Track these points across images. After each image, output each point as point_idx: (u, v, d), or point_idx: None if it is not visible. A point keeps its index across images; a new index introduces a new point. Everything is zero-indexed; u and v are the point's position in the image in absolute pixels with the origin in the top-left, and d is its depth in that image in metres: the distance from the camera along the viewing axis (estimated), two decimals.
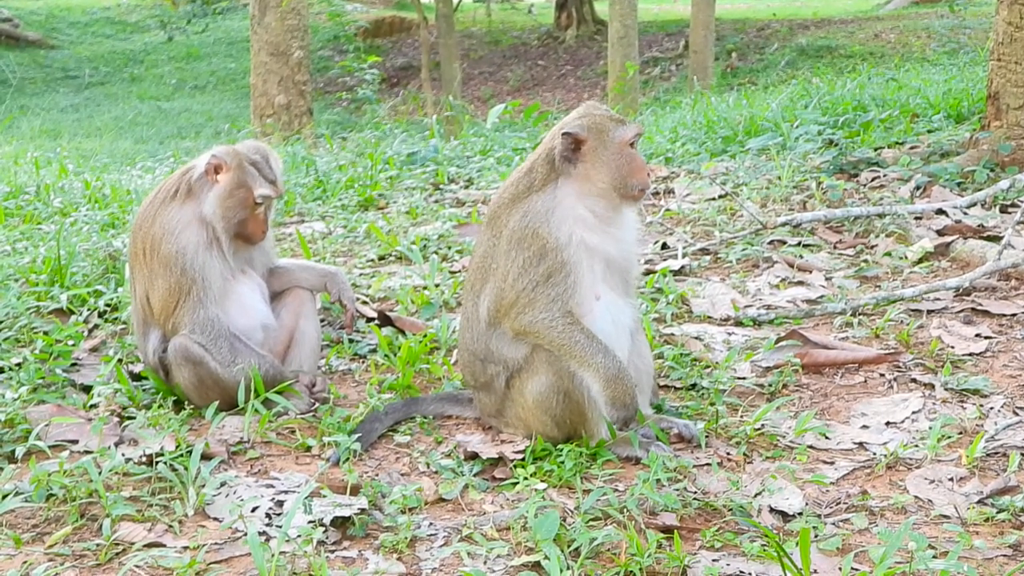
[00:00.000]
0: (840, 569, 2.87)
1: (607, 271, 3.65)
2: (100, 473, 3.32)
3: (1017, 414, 3.84)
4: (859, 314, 4.72)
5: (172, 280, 3.93)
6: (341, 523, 3.16)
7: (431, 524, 3.20)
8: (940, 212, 5.91)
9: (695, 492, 3.35)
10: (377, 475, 3.50)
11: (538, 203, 3.58)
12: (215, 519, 3.24)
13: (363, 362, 4.46)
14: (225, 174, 4.01)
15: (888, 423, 3.83)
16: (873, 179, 6.64)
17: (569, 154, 3.58)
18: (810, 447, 3.68)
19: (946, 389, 4.04)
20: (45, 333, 4.52)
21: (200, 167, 4.03)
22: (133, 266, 4.07)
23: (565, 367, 3.54)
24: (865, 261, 5.41)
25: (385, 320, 4.71)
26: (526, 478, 3.41)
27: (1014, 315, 4.66)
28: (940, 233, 5.66)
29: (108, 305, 4.91)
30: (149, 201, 4.09)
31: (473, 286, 3.72)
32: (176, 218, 3.98)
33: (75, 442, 3.71)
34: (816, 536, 3.10)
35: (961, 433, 3.72)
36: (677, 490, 3.33)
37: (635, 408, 3.60)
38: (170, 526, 3.19)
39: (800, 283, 5.18)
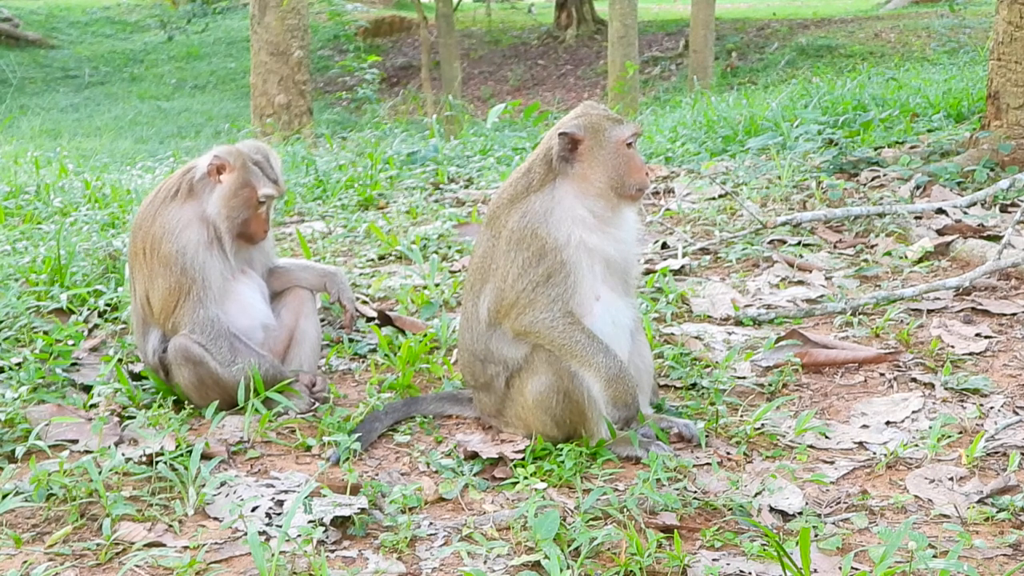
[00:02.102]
0: (840, 569, 2.87)
1: (607, 271, 3.65)
2: (100, 473, 3.32)
3: (1017, 413, 3.83)
4: (859, 313, 4.72)
5: (172, 280, 3.93)
6: (341, 523, 3.16)
7: (431, 524, 3.20)
8: (940, 211, 5.91)
9: (695, 492, 3.35)
10: (377, 475, 3.50)
11: (537, 203, 3.58)
12: (215, 519, 3.24)
13: (363, 362, 4.46)
14: (229, 174, 4.01)
15: (888, 422, 3.83)
16: (873, 178, 6.64)
17: (566, 154, 3.57)
18: (810, 447, 3.68)
19: (946, 388, 4.04)
20: (45, 333, 4.52)
21: (202, 167, 4.03)
22: (133, 266, 4.07)
23: (565, 367, 3.54)
24: (865, 260, 5.41)
25: (385, 320, 4.71)
26: (526, 478, 3.41)
27: (1014, 314, 4.66)
28: (940, 232, 5.66)
29: (108, 305, 4.91)
30: (149, 201, 4.08)
31: (473, 286, 3.72)
32: (176, 217, 3.98)
33: (75, 442, 3.71)
34: (816, 536, 3.10)
35: (961, 432, 3.72)
36: (677, 490, 3.33)
37: (636, 408, 3.60)
38: (170, 526, 3.19)
39: (800, 283, 5.18)
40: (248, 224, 4.06)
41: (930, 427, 3.71)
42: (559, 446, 3.57)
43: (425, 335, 4.47)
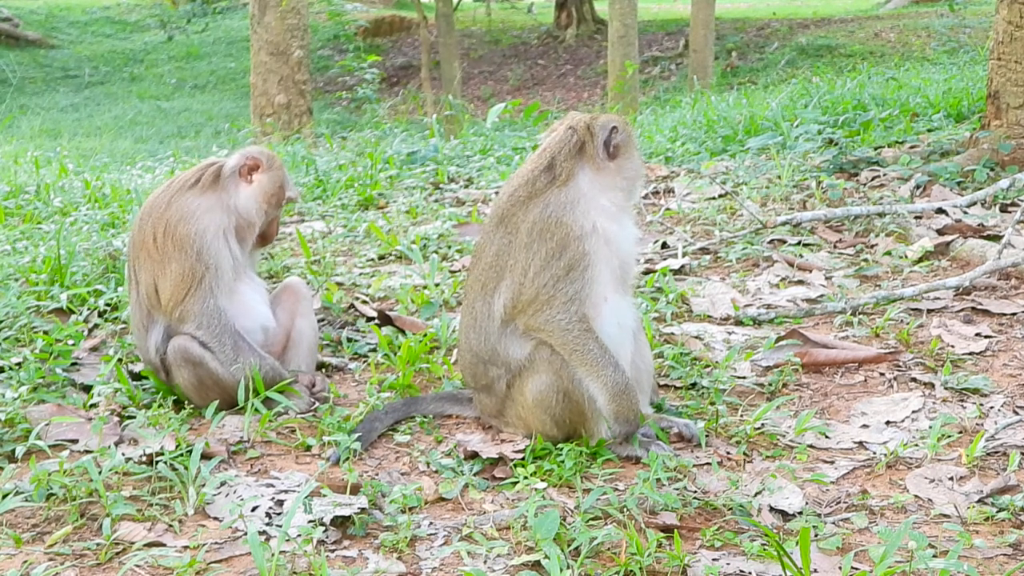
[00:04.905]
0: (840, 568, 2.87)
1: (616, 270, 3.68)
2: (100, 472, 3.32)
3: (1017, 413, 3.84)
4: (859, 313, 4.72)
5: (187, 264, 3.91)
6: (341, 522, 3.16)
7: (431, 523, 3.20)
8: (940, 211, 5.91)
9: (695, 491, 3.35)
10: (377, 474, 3.50)
11: (561, 195, 3.61)
12: (215, 518, 3.24)
13: (363, 361, 4.46)
14: (262, 174, 4.09)
15: (888, 422, 3.83)
16: (873, 178, 6.63)
17: (612, 148, 3.66)
18: (810, 446, 3.68)
19: (946, 388, 4.04)
20: (45, 332, 4.51)
21: (232, 164, 4.08)
22: (138, 256, 4.01)
23: (568, 370, 3.53)
24: (865, 260, 5.41)
25: (385, 319, 4.70)
26: (526, 477, 3.40)
27: (1014, 314, 4.66)
28: (940, 232, 5.66)
29: (108, 304, 4.91)
30: (162, 191, 4.08)
31: (485, 285, 3.67)
32: (196, 203, 3.99)
33: (75, 441, 3.71)
34: (816, 535, 3.10)
35: (961, 432, 3.72)
36: (677, 489, 3.33)
37: (637, 424, 3.60)
38: (170, 525, 3.19)
39: (800, 282, 5.18)
40: (270, 224, 4.18)
41: (930, 427, 3.71)
42: (559, 446, 3.57)
43: (425, 335, 4.47)
